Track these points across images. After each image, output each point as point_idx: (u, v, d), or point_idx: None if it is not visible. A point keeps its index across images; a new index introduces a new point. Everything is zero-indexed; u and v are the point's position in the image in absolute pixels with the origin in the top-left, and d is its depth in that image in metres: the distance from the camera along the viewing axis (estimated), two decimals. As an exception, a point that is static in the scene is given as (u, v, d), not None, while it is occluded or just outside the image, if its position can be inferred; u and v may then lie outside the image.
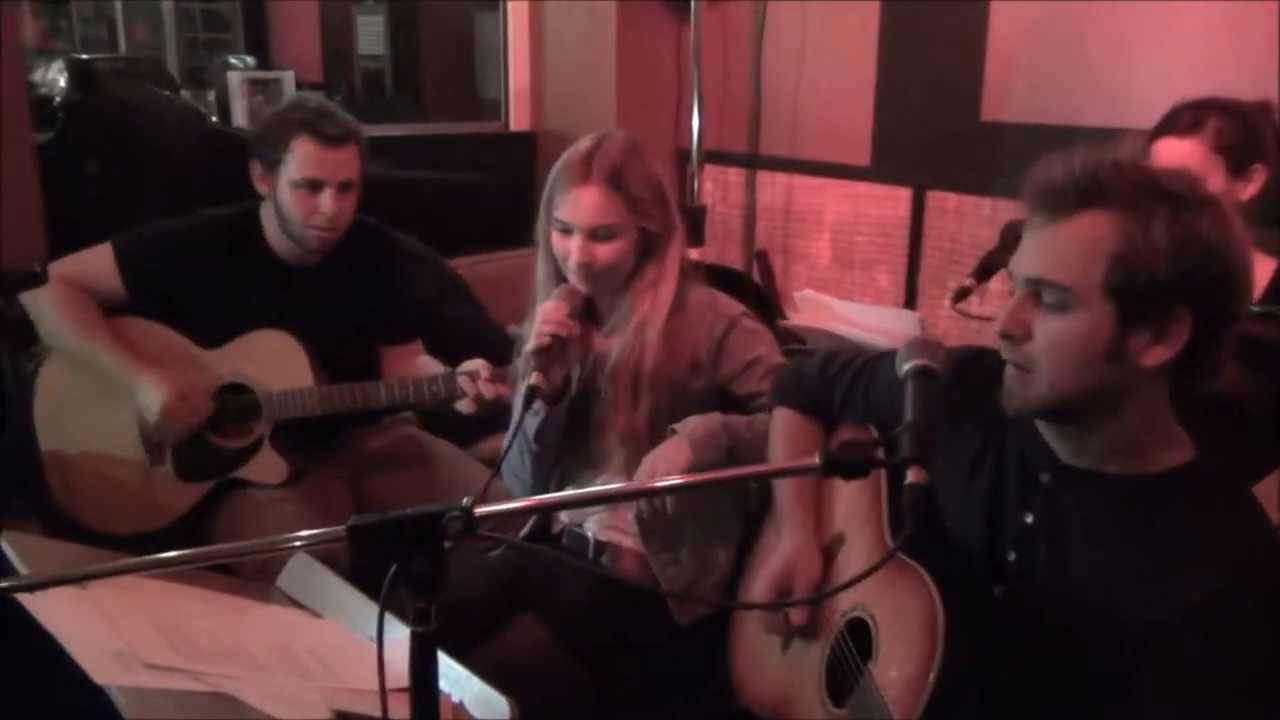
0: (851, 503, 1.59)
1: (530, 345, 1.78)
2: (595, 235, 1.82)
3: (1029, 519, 1.32)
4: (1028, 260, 1.21)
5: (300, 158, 2.16)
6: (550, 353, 1.78)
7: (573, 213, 1.82)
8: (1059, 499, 1.30)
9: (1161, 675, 1.16)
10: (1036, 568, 1.31)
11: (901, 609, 1.32)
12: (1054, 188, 1.19)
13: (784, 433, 1.73)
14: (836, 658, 1.46)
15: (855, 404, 1.64)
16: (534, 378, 1.76)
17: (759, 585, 1.58)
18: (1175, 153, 2.03)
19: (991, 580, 1.35)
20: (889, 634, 1.36)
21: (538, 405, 1.88)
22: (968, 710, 1.28)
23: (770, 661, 1.61)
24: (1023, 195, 1.23)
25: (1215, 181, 2.01)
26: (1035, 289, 1.20)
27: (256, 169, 2.23)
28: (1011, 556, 1.34)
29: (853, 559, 1.54)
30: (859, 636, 1.42)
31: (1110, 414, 1.23)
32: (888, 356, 1.60)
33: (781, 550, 1.60)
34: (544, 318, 1.80)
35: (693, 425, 1.82)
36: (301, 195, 2.18)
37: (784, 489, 1.67)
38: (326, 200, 2.18)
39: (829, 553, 1.60)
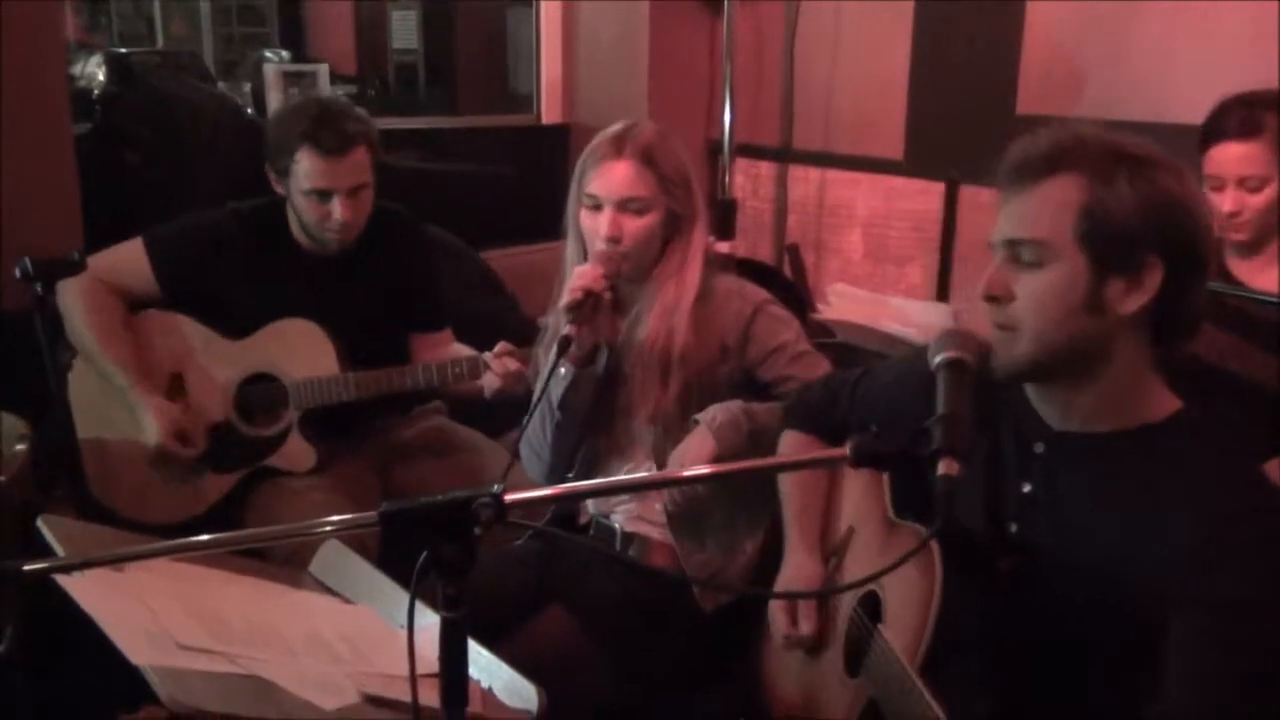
0: (856, 497, 1.64)
1: (564, 300, 1.79)
2: (625, 208, 1.84)
3: (1027, 489, 1.35)
4: (1004, 225, 1.28)
5: (305, 169, 2.17)
6: (583, 308, 1.77)
7: (603, 186, 1.84)
8: (1054, 466, 1.33)
9: (1185, 619, 1.18)
10: (1038, 537, 1.34)
11: (905, 571, 1.34)
12: (1022, 161, 1.27)
13: (789, 452, 1.75)
14: (852, 635, 1.50)
15: (857, 412, 1.67)
16: (568, 329, 1.76)
17: (771, 613, 1.65)
18: (1236, 156, 2.00)
19: (996, 554, 1.38)
20: (894, 594, 1.41)
21: (565, 369, 1.88)
22: (977, 674, 1.30)
23: (794, 666, 1.65)
24: (997, 181, 1.31)
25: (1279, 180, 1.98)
26: (1013, 250, 1.27)
27: (272, 174, 2.26)
28: (1014, 529, 1.36)
29: (861, 548, 1.59)
30: (871, 610, 1.46)
31: (1095, 369, 1.27)
32: (886, 363, 1.67)
33: (783, 569, 1.66)
34: (578, 274, 1.81)
35: (713, 414, 1.83)
36: (313, 203, 2.20)
37: (789, 503, 1.71)
38: (337, 208, 2.19)
39: (840, 550, 1.64)
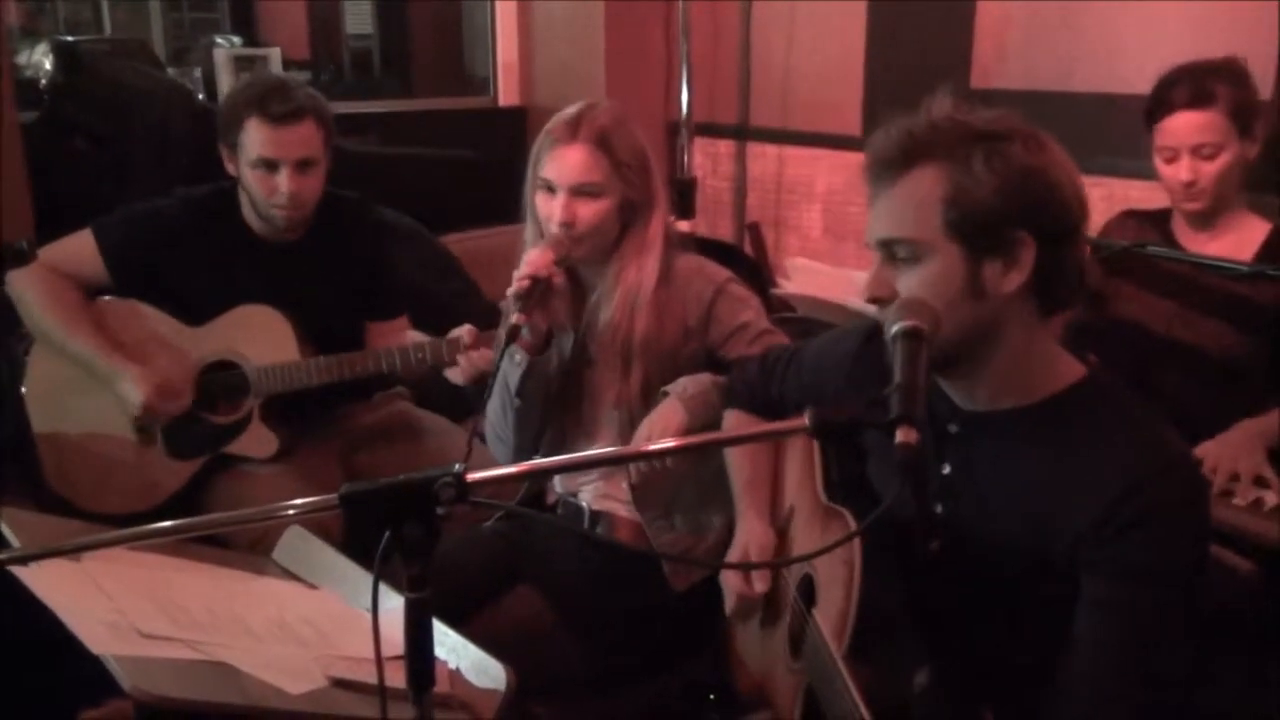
0: (797, 475, 1.66)
1: (511, 288, 1.77)
2: (578, 193, 1.82)
3: (946, 470, 1.38)
4: (874, 226, 1.29)
5: (253, 138, 2.15)
6: (531, 296, 1.76)
7: (557, 170, 1.83)
8: (968, 446, 1.36)
9: (1091, 584, 1.23)
10: (962, 516, 1.36)
11: (833, 556, 1.39)
12: (880, 157, 1.28)
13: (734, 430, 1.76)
14: (794, 619, 1.53)
15: (789, 389, 1.69)
16: (515, 317, 1.74)
17: (724, 579, 1.67)
18: (1191, 126, 2.01)
19: (927, 536, 1.40)
20: (823, 578, 1.44)
21: (519, 356, 1.87)
22: (912, 647, 1.33)
23: (754, 644, 1.67)
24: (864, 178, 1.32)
25: (1232, 148, 2.01)
26: (888, 250, 1.28)
27: (225, 151, 2.23)
28: (940, 510, 1.39)
29: (800, 525, 1.61)
30: (809, 593, 1.48)
31: (990, 350, 1.28)
32: (815, 340, 1.68)
33: (736, 539, 1.68)
34: (527, 261, 1.79)
35: (683, 385, 1.83)
36: (260, 175, 2.17)
37: (737, 476, 1.72)
38: (283, 179, 2.16)
39: (784, 527, 1.66)
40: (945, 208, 1.23)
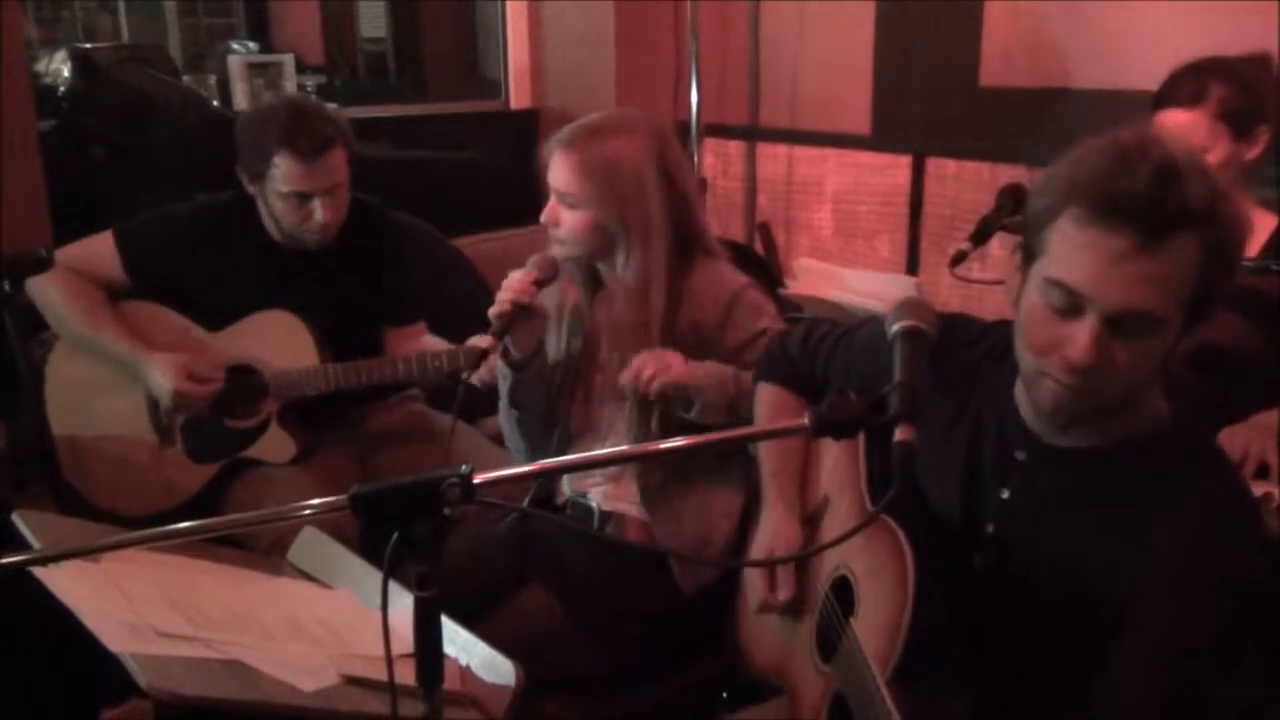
0: (835, 465, 1.62)
1: (492, 310, 1.81)
2: (562, 200, 1.87)
3: (1005, 494, 1.34)
4: (1118, 292, 1.12)
5: (283, 173, 2.16)
6: (510, 319, 1.80)
7: (550, 174, 1.87)
8: (1036, 476, 1.32)
9: (1138, 634, 1.19)
10: (1014, 541, 1.33)
11: (878, 566, 1.35)
12: (1140, 206, 1.09)
13: (768, 406, 1.73)
14: (824, 618, 1.49)
15: (836, 370, 1.65)
16: (486, 342, 1.78)
17: (749, 578, 1.64)
18: (1178, 124, 2.02)
19: (971, 550, 1.37)
20: (867, 590, 1.39)
21: (506, 374, 1.91)
22: (952, 673, 1.30)
23: (769, 631, 1.65)
24: (1075, 191, 1.13)
25: (1220, 148, 2.01)
26: (1117, 322, 1.13)
27: (243, 174, 2.25)
28: (990, 529, 1.35)
29: (835, 520, 1.57)
30: (842, 595, 1.45)
31: (1126, 402, 1.23)
32: (866, 323, 1.62)
33: (761, 529, 1.64)
34: (508, 284, 1.82)
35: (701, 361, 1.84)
36: (292, 205, 2.20)
37: (765, 462, 1.69)
38: (317, 209, 2.20)
39: (815, 517, 1.63)
40: (1195, 285, 1.12)
